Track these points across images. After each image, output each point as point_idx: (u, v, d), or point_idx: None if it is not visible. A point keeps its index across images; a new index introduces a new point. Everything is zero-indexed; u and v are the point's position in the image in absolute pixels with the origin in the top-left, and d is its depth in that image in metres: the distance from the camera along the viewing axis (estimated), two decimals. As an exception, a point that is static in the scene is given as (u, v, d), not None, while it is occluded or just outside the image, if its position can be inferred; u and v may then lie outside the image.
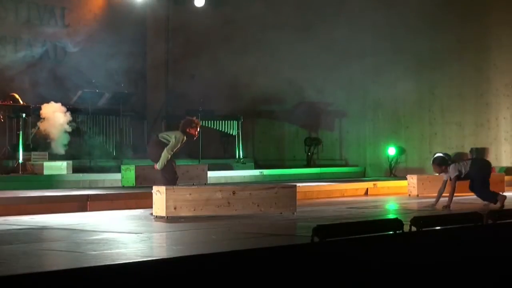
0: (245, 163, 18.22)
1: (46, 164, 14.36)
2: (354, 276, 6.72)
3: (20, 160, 14.38)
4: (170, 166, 11.42)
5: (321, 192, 14.53)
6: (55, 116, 15.23)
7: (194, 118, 11.89)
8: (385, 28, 18.60)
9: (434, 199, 11.71)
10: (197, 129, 11.59)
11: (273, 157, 20.76)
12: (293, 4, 19.96)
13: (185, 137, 11.43)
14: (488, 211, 8.59)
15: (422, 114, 19.12)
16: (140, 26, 21.52)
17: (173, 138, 11.33)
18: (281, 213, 10.51)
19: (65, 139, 15.29)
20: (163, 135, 11.57)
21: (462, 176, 11.59)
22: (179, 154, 12.48)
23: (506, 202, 11.50)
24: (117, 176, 14.10)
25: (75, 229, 8.69)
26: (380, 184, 15.94)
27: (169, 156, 11.32)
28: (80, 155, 16.09)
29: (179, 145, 11.42)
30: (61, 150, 15.23)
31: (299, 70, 19.48)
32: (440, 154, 12.08)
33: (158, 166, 11.38)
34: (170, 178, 11.40)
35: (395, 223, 7.57)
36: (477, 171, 11.66)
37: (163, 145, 11.37)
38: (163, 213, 9.87)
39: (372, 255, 6.94)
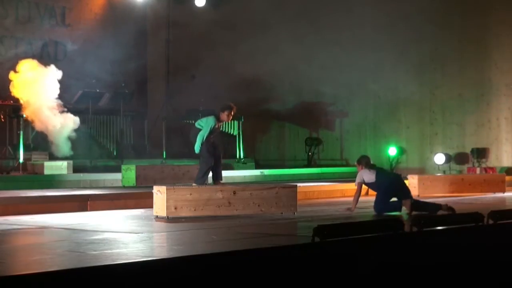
0: (245, 163, 18.19)
1: (47, 164, 14.33)
2: (355, 276, 6.71)
3: (21, 160, 14.36)
4: None
5: (322, 192, 14.51)
6: (34, 103, 14.79)
7: (231, 103, 12.40)
8: (386, 28, 18.59)
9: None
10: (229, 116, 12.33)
11: (274, 157, 20.76)
12: (294, 5, 19.95)
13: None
14: (490, 211, 8.57)
15: (423, 114, 19.11)
16: (141, 26, 21.51)
17: None
18: (282, 213, 10.50)
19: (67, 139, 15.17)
20: None
21: (365, 183, 10.89)
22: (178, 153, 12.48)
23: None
24: (118, 176, 14.08)
25: (75, 229, 8.68)
26: (381, 184, 15.88)
27: None
28: (81, 155, 16.06)
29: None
30: (66, 151, 15.12)
31: (300, 70, 19.46)
32: (367, 159, 11.31)
33: None
34: None
35: (396, 223, 7.56)
36: (387, 183, 10.87)
37: None
38: (163, 213, 9.86)
39: (372, 255, 6.93)
